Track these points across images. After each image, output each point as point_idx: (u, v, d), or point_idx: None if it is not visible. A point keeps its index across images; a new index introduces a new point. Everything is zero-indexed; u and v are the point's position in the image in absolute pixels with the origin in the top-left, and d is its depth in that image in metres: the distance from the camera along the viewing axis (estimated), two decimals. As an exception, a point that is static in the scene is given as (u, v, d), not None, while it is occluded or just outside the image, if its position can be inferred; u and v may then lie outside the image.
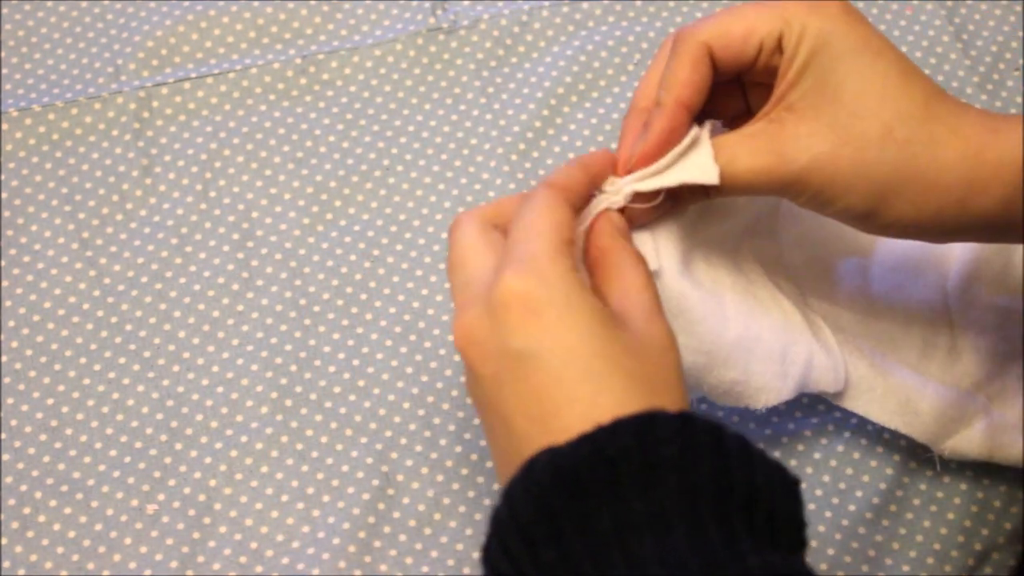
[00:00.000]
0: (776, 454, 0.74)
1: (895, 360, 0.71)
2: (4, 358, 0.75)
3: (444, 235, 0.79)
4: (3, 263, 0.78)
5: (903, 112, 0.60)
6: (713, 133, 0.63)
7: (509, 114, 0.83)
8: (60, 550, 0.71)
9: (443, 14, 0.85)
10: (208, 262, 0.78)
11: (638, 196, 0.62)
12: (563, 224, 0.57)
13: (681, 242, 0.64)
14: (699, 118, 0.63)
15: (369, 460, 0.73)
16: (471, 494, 0.72)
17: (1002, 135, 0.60)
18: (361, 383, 0.75)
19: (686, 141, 0.61)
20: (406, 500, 0.72)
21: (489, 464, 0.73)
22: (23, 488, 0.72)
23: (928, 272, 0.73)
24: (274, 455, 0.73)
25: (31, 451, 0.73)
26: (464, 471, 0.73)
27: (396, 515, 0.72)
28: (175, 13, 0.85)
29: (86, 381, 0.75)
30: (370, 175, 0.81)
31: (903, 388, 0.70)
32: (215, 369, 0.75)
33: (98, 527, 0.71)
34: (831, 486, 0.73)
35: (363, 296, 0.77)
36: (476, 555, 0.70)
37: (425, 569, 0.71)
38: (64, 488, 0.72)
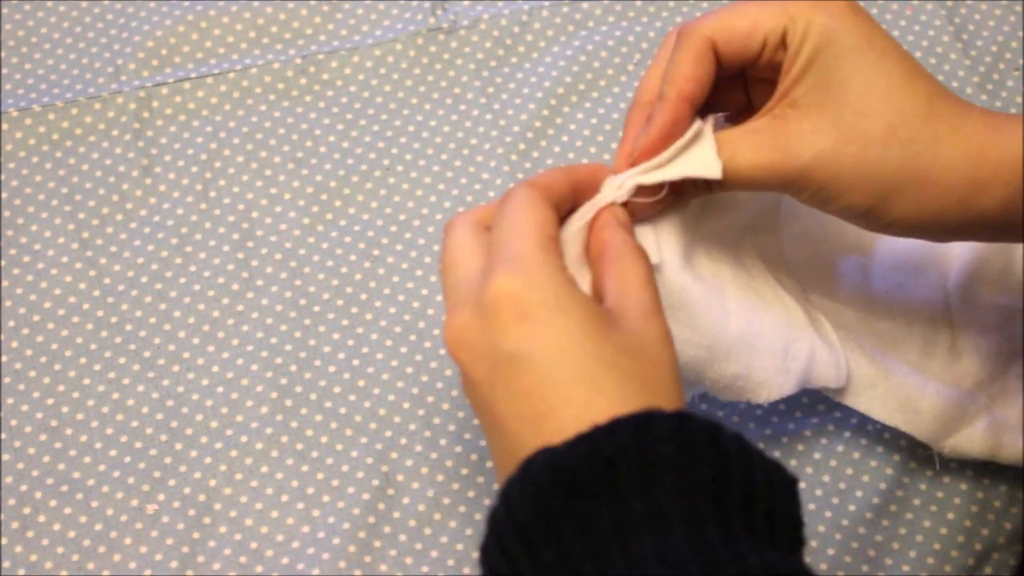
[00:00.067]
0: (776, 454, 0.74)
1: (896, 358, 0.71)
2: (4, 358, 0.75)
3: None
4: (3, 263, 0.78)
5: (907, 111, 0.60)
6: (716, 127, 0.63)
7: (509, 114, 0.83)
8: (60, 550, 0.71)
9: (443, 14, 0.85)
10: (208, 262, 0.78)
11: (641, 190, 0.62)
12: (546, 221, 0.57)
13: (683, 236, 0.64)
14: (702, 112, 0.63)
15: (369, 460, 0.73)
16: (471, 494, 0.72)
17: (1004, 134, 0.60)
18: (361, 383, 0.75)
19: (689, 134, 0.61)
20: (406, 500, 0.72)
21: (489, 464, 0.73)
22: (23, 488, 0.72)
23: (929, 271, 0.73)
24: (274, 455, 0.73)
25: (31, 451, 0.73)
26: (464, 471, 0.73)
27: (396, 515, 0.72)
28: (175, 13, 0.85)
29: (86, 381, 0.75)
30: (370, 175, 0.81)
31: (904, 386, 0.70)
32: (215, 369, 0.75)
33: (98, 527, 0.71)
34: (831, 486, 0.73)
35: (363, 296, 0.77)
36: (476, 555, 0.70)
37: (425, 569, 0.71)
38: (64, 488, 0.72)
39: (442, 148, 0.82)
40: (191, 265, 0.78)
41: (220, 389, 0.75)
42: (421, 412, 0.74)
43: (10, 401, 0.74)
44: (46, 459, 0.73)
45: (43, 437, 0.73)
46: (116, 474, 0.72)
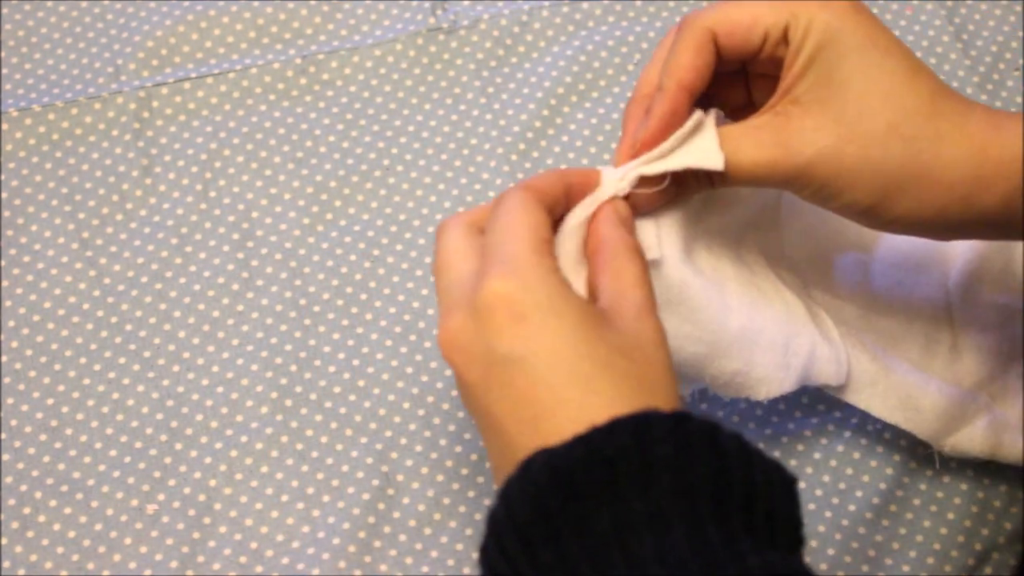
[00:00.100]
0: (776, 454, 0.74)
1: (897, 356, 0.71)
2: (4, 358, 0.75)
3: (444, 235, 0.79)
4: (3, 263, 0.78)
5: (909, 109, 0.60)
6: (718, 123, 0.63)
7: (509, 114, 0.83)
8: (60, 550, 0.71)
9: (443, 14, 0.85)
10: (208, 262, 0.78)
11: (643, 181, 0.61)
12: (540, 224, 0.57)
13: (684, 231, 0.64)
14: (702, 107, 0.63)
15: (369, 460, 0.73)
16: (471, 494, 0.72)
17: (1006, 132, 0.60)
18: (361, 383, 0.75)
19: (689, 124, 0.61)
20: (406, 500, 0.72)
21: (489, 464, 0.73)
22: (23, 488, 0.72)
23: (930, 269, 0.73)
24: (274, 455, 0.73)
25: (31, 451, 0.73)
26: (464, 471, 0.73)
27: (396, 515, 0.72)
28: (175, 13, 0.85)
29: (86, 381, 0.75)
30: (370, 175, 0.81)
31: (905, 384, 0.70)
32: (215, 369, 0.75)
33: (98, 527, 0.71)
34: (831, 486, 0.73)
35: (363, 296, 0.77)
36: (476, 555, 0.70)
37: (425, 569, 0.71)
38: (64, 488, 0.72)
39: (442, 148, 0.82)
40: (191, 265, 0.78)
41: (220, 389, 0.75)
42: (421, 412, 0.74)
43: (10, 401, 0.74)
44: (46, 459, 0.73)
45: (43, 437, 0.73)
46: (116, 474, 0.72)
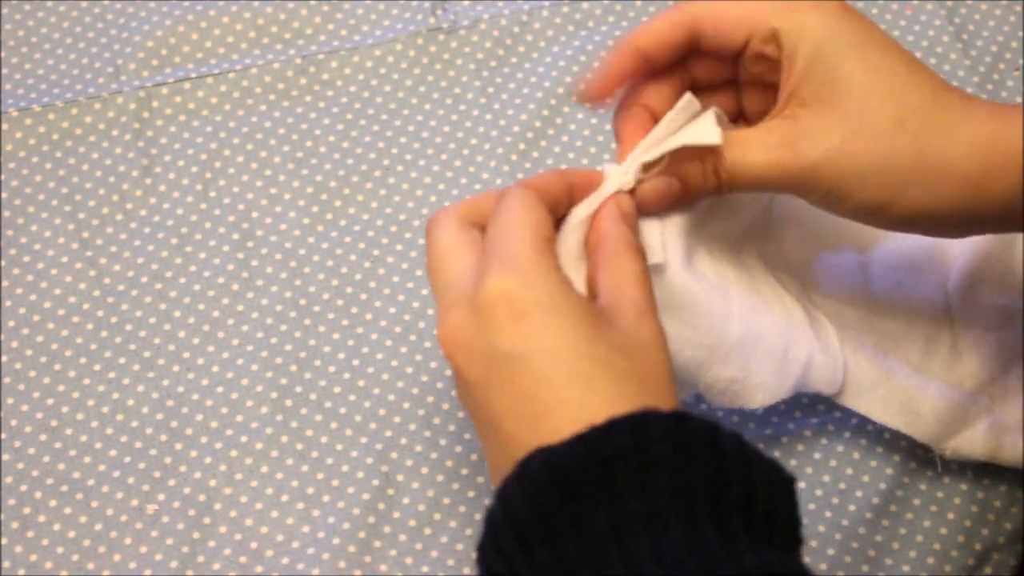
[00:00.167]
0: (776, 454, 0.74)
1: (898, 358, 0.71)
2: (4, 358, 0.75)
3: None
4: (3, 263, 0.78)
5: (913, 103, 0.60)
6: (718, 123, 0.63)
7: (509, 114, 0.83)
8: (60, 550, 0.71)
9: (443, 14, 0.85)
10: (208, 262, 0.78)
11: (648, 169, 0.61)
12: (542, 223, 0.57)
13: (687, 236, 0.64)
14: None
15: (369, 460, 0.73)
16: (471, 494, 0.72)
17: (1013, 120, 0.60)
18: (361, 383, 0.75)
19: (680, 104, 0.61)
20: (406, 500, 0.72)
21: (487, 463, 0.73)
22: (23, 488, 0.72)
23: (929, 271, 0.73)
24: (274, 455, 0.73)
25: (31, 451, 0.73)
26: (464, 471, 0.73)
27: (396, 515, 0.72)
28: (175, 13, 0.85)
29: (86, 381, 0.75)
30: (370, 175, 0.81)
31: (906, 388, 0.70)
32: (215, 369, 0.75)
33: (98, 527, 0.71)
34: (831, 486, 0.73)
35: (363, 296, 0.77)
36: (475, 555, 0.70)
37: (425, 569, 0.71)
38: (64, 488, 0.72)
39: (442, 148, 0.82)
40: (191, 265, 0.78)
41: (220, 389, 0.75)
42: (421, 412, 0.74)
43: (10, 401, 0.74)
44: (46, 459, 0.73)
45: (43, 437, 0.73)
46: (116, 474, 0.72)
